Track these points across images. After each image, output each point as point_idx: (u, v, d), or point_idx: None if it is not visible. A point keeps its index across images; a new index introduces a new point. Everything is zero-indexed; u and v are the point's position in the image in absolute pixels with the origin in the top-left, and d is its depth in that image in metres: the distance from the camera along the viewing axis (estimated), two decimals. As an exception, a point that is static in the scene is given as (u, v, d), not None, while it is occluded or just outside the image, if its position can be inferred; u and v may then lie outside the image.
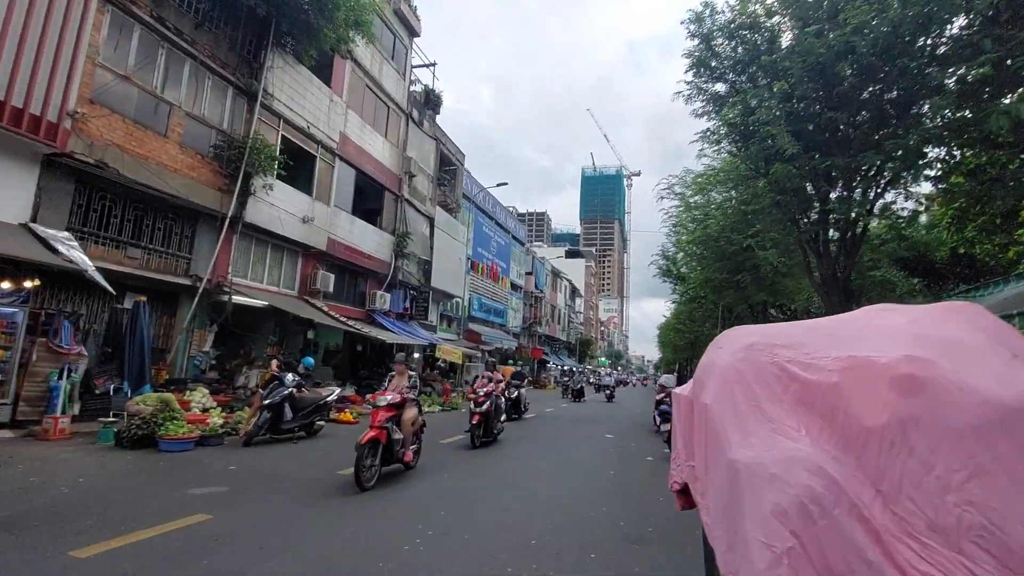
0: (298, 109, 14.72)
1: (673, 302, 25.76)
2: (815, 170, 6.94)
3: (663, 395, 16.16)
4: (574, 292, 64.78)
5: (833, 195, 7.51)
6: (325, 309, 15.50)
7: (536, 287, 45.61)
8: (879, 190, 7.12)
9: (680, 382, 25.66)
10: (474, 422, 9.96)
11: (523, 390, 14.22)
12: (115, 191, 10.68)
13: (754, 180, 8.16)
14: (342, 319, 15.46)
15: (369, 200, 19.86)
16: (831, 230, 7.98)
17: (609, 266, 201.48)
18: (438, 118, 23.62)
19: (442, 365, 23.97)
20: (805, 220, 8.21)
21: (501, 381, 12.28)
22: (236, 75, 12.82)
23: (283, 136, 14.31)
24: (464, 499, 6.40)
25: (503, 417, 11.67)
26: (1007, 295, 8.88)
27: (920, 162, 6.55)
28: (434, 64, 23.15)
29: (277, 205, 13.84)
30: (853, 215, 7.07)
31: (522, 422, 15.58)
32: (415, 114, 21.45)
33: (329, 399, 10.63)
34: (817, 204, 7.53)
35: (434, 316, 24.68)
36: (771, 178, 7.33)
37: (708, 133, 8.81)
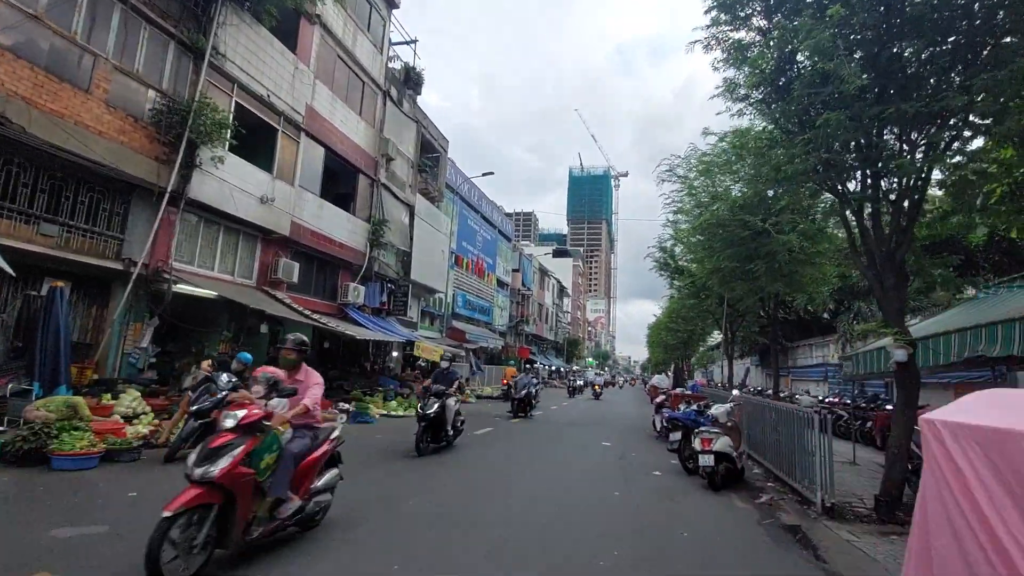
0: (256, 75, 13.00)
1: (669, 298, 24.32)
2: (879, 118, 5.48)
3: (663, 397, 14.79)
4: (562, 291, 63.40)
5: (897, 149, 6.07)
6: (288, 301, 13.79)
7: (523, 284, 44.09)
8: (953, 142, 5.66)
9: (677, 383, 24.25)
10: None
11: (451, 400, 9.68)
12: (23, 154, 8.91)
13: (788, 142, 6.65)
14: (307, 313, 13.76)
15: (341, 183, 18.15)
16: (883, 200, 6.51)
17: (596, 267, 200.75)
18: (420, 100, 21.98)
19: (423, 364, 22.32)
20: (853, 188, 6.74)
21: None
22: (180, 28, 11.08)
23: (237, 104, 12.58)
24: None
25: (462, 418, 10.55)
26: None
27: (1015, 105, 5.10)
28: (415, 41, 21.53)
29: (229, 181, 12.11)
30: (923, 172, 5.62)
31: (509, 425, 14.08)
32: (393, 92, 19.79)
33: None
34: (870, 167, 6.03)
35: (415, 312, 23.02)
36: (818, 132, 5.85)
37: (732, 87, 7.31)
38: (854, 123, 5.87)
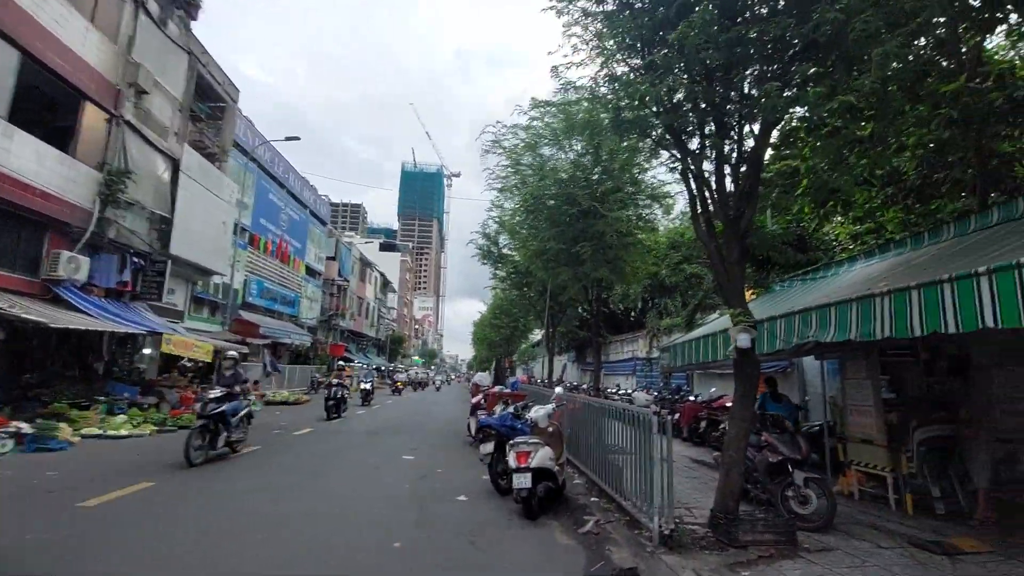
0: None
1: (492, 289, 23.11)
2: (738, 40, 4.20)
3: (479, 397, 13.07)
4: (386, 285, 59.70)
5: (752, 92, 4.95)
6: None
7: (340, 275, 39.73)
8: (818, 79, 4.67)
9: (498, 380, 23.01)
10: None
11: (236, 403, 8.87)
12: None
13: (629, 81, 5.17)
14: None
15: (60, 114, 13.01)
16: (726, 160, 5.41)
17: (426, 264, 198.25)
18: (197, 29, 17.23)
19: (188, 364, 17.53)
20: (697, 142, 5.56)
21: (248, 381, 10.14)
22: None
23: None
24: None
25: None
26: (854, 276, 7.61)
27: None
28: (192, -49, 16.74)
29: None
30: (784, 111, 4.52)
31: (316, 430, 10.94)
32: (152, 5, 14.96)
33: None
34: (718, 113, 4.81)
35: (180, 297, 18.03)
36: (668, 56, 4.40)
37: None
38: (710, 44, 4.59)
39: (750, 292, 14.55)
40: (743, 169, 5.83)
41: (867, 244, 10.31)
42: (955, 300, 3.91)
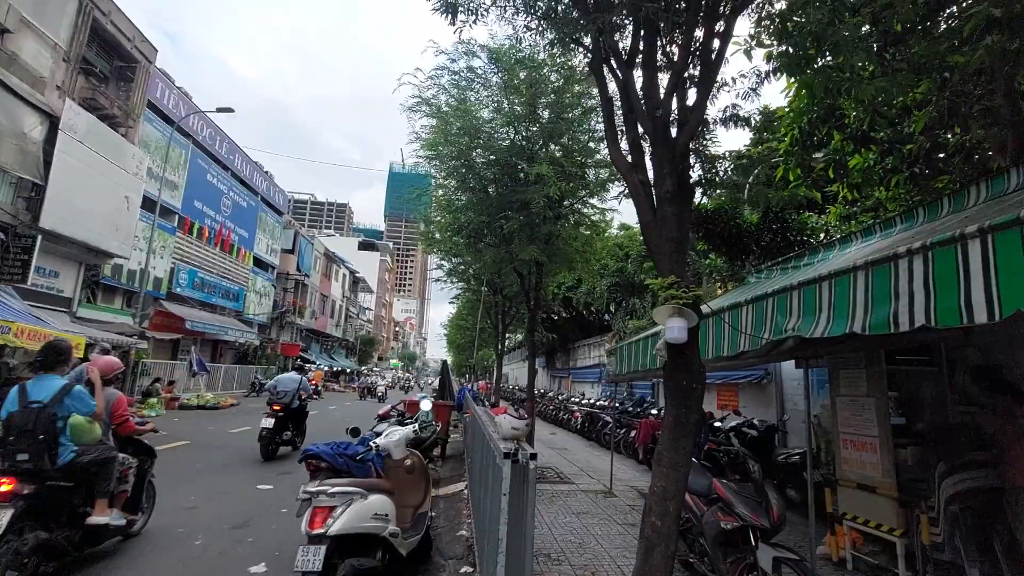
0: None
1: (439, 281, 20.76)
2: None
3: (387, 408, 10.36)
4: (356, 283, 57.04)
5: None
6: None
7: (299, 269, 37.14)
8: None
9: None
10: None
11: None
12: None
13: None
14: None
15: None
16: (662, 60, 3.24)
17: (412, 266, 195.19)
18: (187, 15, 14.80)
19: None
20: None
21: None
22: None
23: None
24: None
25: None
26: (851, 257, 5.45)
27: None
28: None
29: None
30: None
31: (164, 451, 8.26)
32: (23, -70, 12.52)
33: None
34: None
35: (67, 282, 15.44)
36: None
37: None
38: None
39: (719, 287, 12.46)
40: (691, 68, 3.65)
41: (864, 224, 8.20)
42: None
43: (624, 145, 3.98)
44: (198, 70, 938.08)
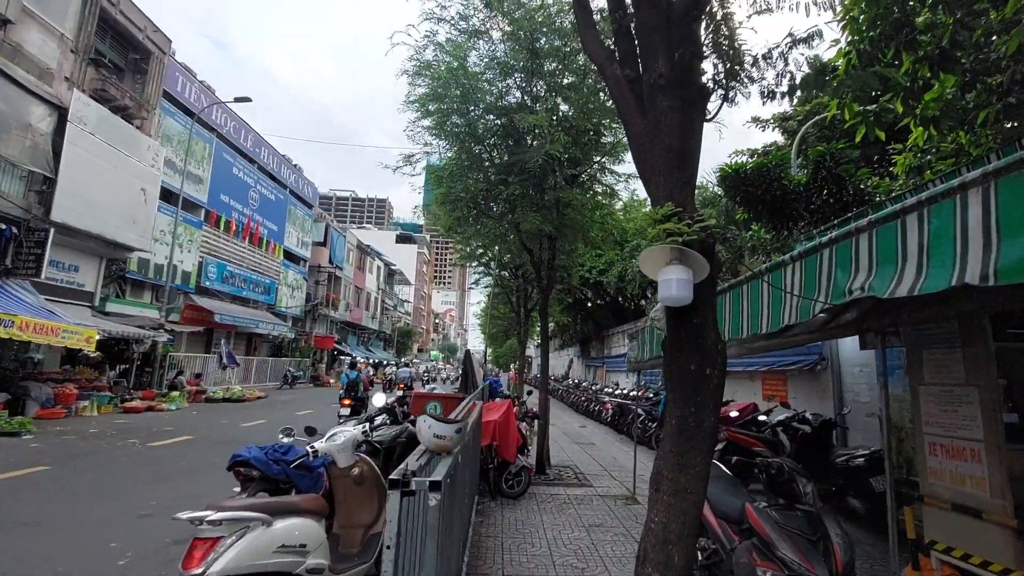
0: None
1: (463, 265, 19.79)
2: None
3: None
4: (392, 275, 57.19)
5: None
6: None
7: (331, 262, 37.19)
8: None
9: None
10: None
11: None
12: None
13: None
14: None
15: None
16: None
17: (451, 258, 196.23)
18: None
19: (91, 354, 14.95)
20: None
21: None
22: None
23: None
24: None
25: None
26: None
27: None
28: None
29: None
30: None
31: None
32: (21, -84, 12.26)
33: None
34: None
35: (88, 276, 15.41)
36: None
37: None
38: None
39: (765, 264, 10.93)
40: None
41: (941, 172, 6.64)
42: None
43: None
44: (246, 75, 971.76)
